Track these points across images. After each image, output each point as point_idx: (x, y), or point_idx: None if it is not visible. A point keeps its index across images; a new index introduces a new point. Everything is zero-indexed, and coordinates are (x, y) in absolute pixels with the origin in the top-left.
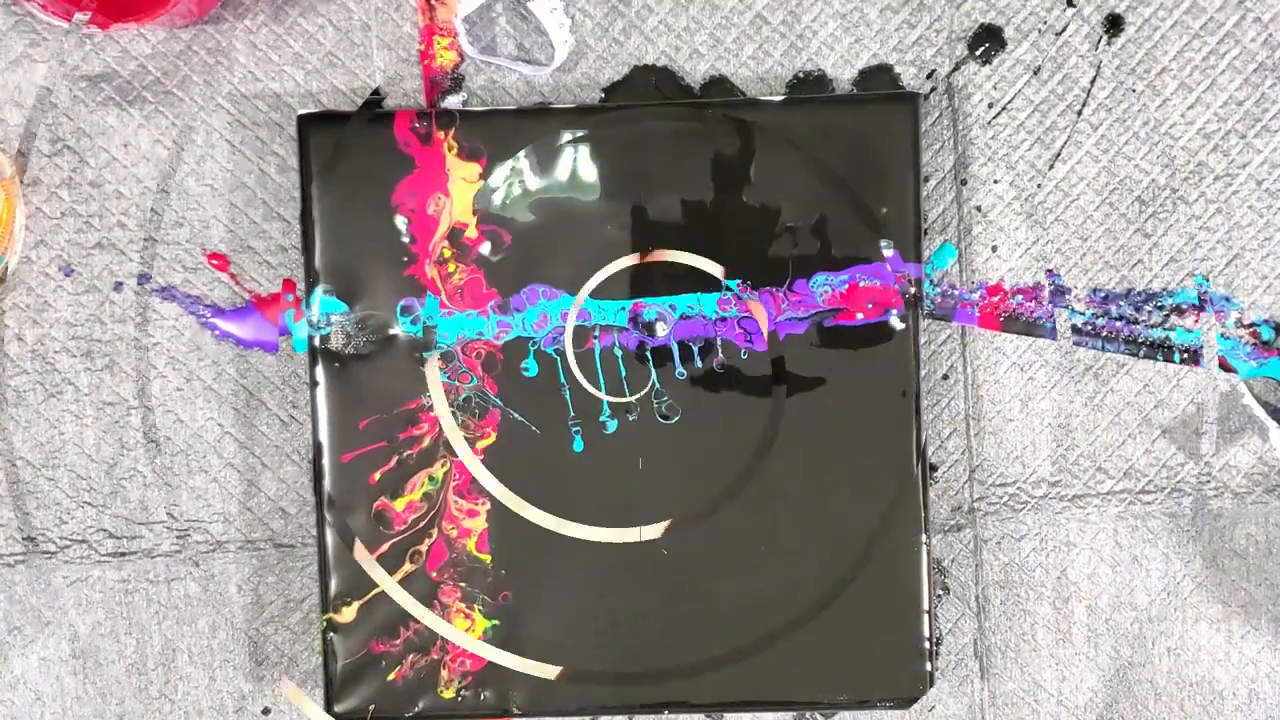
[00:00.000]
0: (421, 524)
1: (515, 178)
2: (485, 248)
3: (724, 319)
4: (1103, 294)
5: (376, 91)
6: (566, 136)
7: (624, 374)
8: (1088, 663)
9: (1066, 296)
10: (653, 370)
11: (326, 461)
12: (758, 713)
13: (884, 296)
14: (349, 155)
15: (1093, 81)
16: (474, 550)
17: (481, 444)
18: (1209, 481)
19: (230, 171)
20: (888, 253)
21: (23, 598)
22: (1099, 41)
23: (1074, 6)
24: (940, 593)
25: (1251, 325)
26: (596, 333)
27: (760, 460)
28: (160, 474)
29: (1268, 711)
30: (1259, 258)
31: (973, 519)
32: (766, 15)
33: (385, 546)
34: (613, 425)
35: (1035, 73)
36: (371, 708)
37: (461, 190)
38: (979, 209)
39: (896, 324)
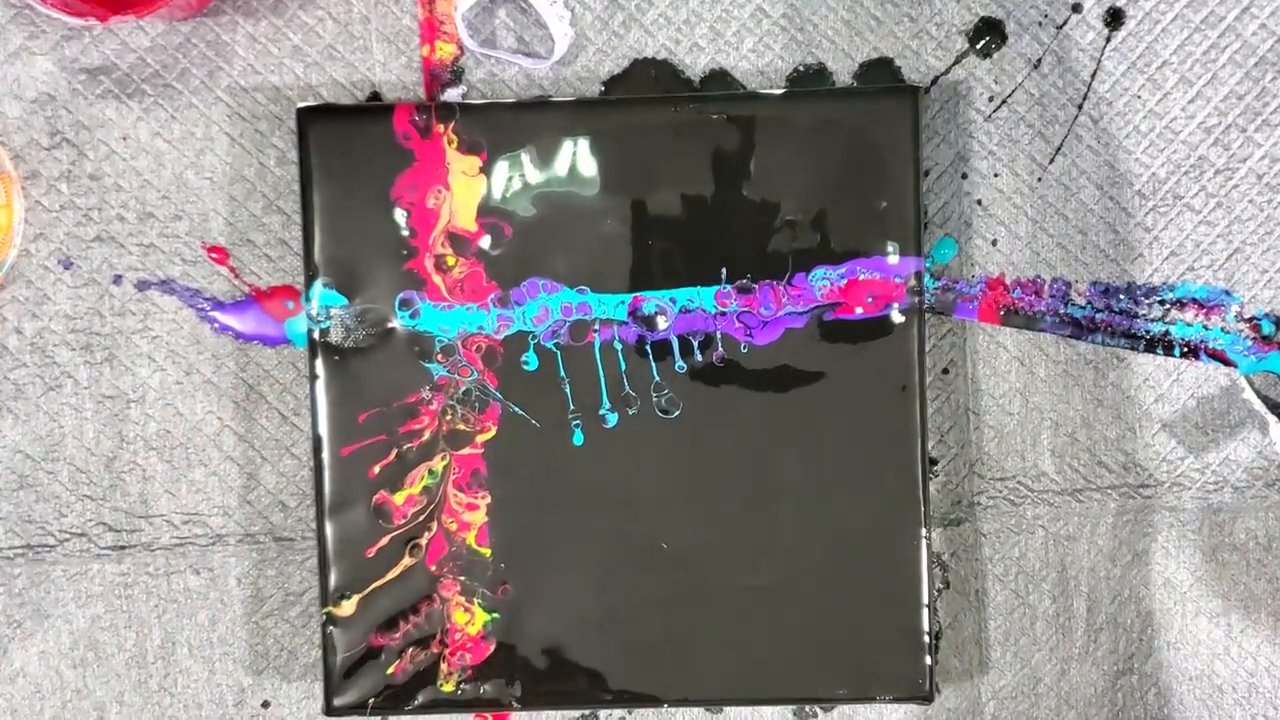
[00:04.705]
0: (421, 517)
1: (515, 171)
2: (485, 241)
3: (723, 313)
4: (1103, 288)
5: (376, 96)
6: (566, 130)
7: (624, 368)
8: (1087, 657)
9: (1067, 290)
10: (652, 364)
11: (326, 455)
12: (758, 707)
13: (884, 290)
14: (348, 148)
15: (1093, 75)
16: (474, 544)
17: (482, 438)
18: (1209, 476)
19: (229, 164)
20: (893, 260)
21: (22, 591)
22: (1100, 35)
23: (1079, 12)
24: (940, 586)
25: (1252, 319)
26: (596, 326)
27: (760, 454)
28: (159, 467)
29: (1267, 705)
30: (1259, 252)
31: (973, 513)
32: (767, 9)
33: (385, 540)
34: (613, 419)
35: (1036, 66)
36: (371, 701)
37: (461, 184)
38: (979, 203)
39: (896, 318)
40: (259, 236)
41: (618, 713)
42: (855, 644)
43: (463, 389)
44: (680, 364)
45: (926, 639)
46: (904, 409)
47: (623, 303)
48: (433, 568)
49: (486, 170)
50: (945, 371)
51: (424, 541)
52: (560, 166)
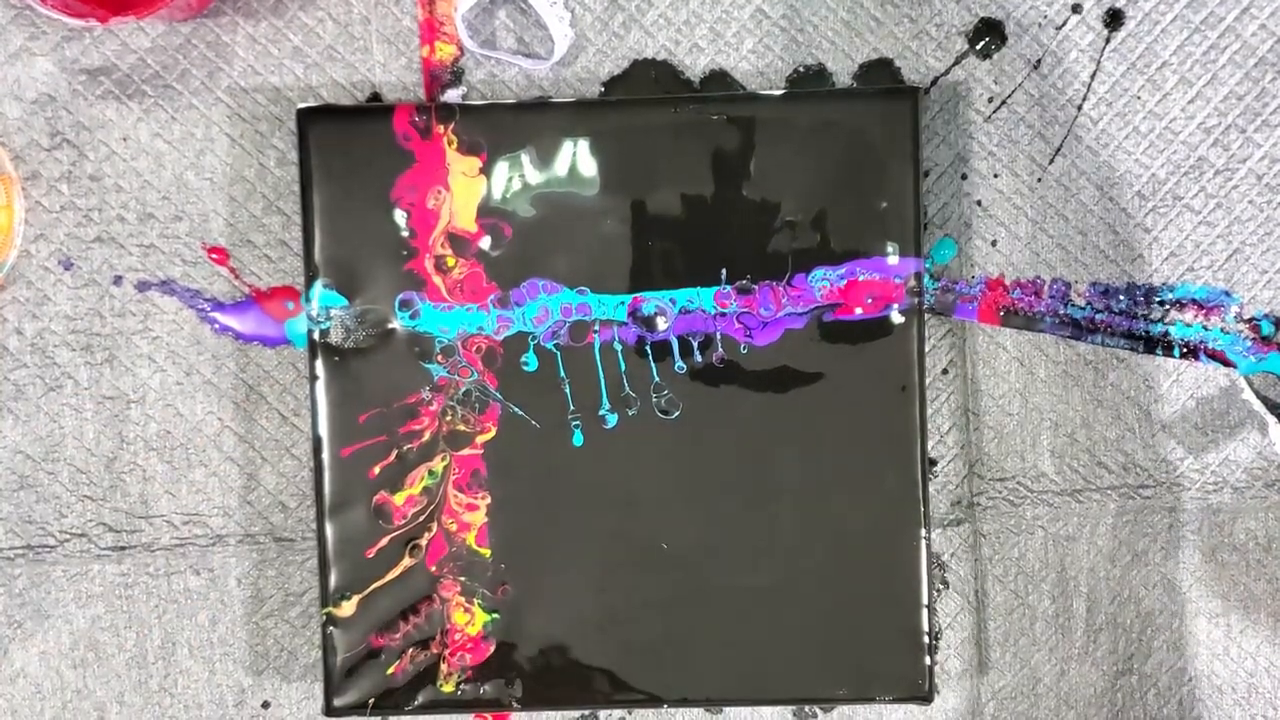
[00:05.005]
0: (421, 518)
1: (515, 172)
2: (485, 242)
3: (723, 314)
4: (1102, 288)
5: (376, 97)
6: (566, 131)
7: (624, 369)
8: (1087, 657)
9: (1067, 291)
10: (652, 365)
11: (326, 456)
12: (757, 707)
13: (884, 291)
14: (349, 149)
15: (1093, 76)
16: (474, 544)
17: (481, 438)
18: (1208, 476)
19: (230, 165)
20: (893, 261)
21: (22, 591)
22: (1099, 36)
23: (1079, 13)
24: (940, 587)
25: (1251, 320)
26: (596, 327)
27: (760, 455)
28: (159, 468)
29: (1267, 705)
30: (1259, 253)
31: (972, 513)
32: (767, 9)
33: (385, 541)
34: (613, 420)
35: (1035, 67)
36: (371, 702)
37: (461, 185)
38: (979, 203)
39: (896, 319)
40: (259, 237)
41: (618, 713)
42: (855, 644)
43: (463, 390)
44: (680, 365)
45: (926, 639)
46: (904, 409)
47: (622, 303)
48: (433, 568)
49: (486, 171)
50: (945, 372)
51: (424, 542)
52: (560, 167)
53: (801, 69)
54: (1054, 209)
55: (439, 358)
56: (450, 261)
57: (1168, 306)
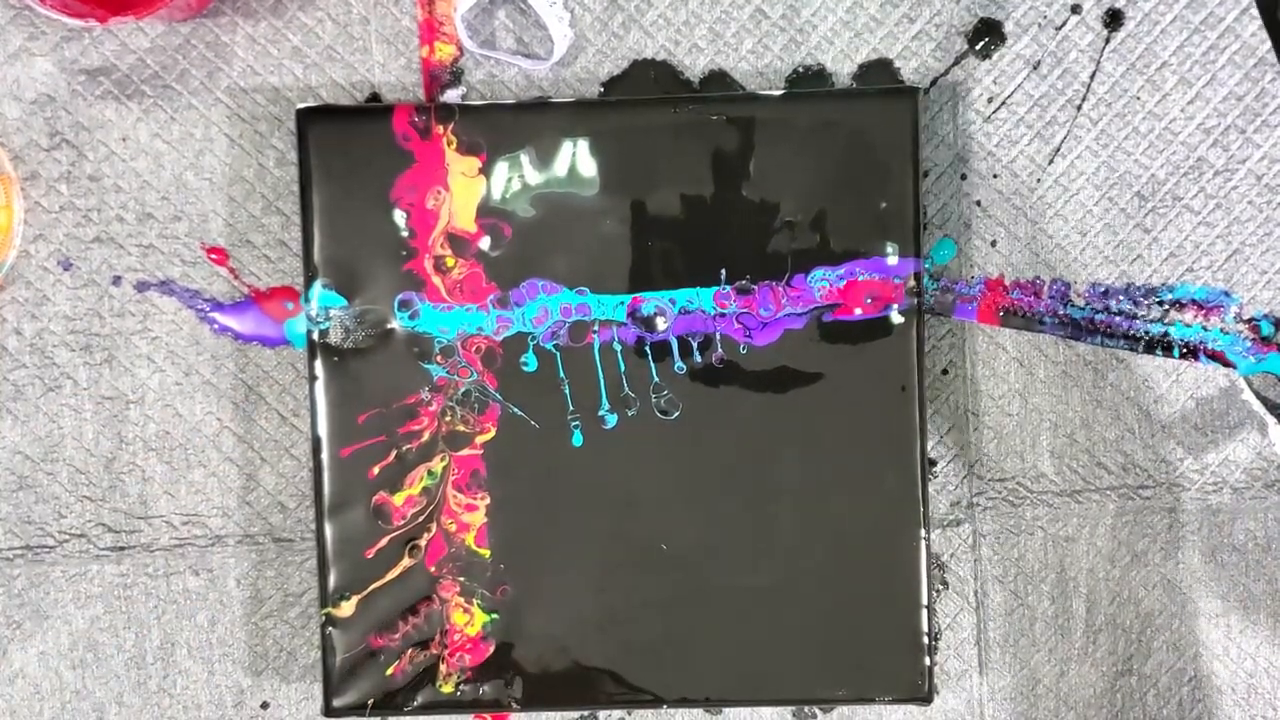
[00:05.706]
0: (420, 518)
1: (515, 172)
2: (485, 242)
3: (723, 314)
4: (1102, 289)
5: (375, 97)
6: (566, 131)
7: (623, 369)
8: (1086, 658)
9: (1066, 291)
10: (652, 365)
11: (325, 456)
12: (757, 708)
13: (883, 291)
14: (348, 149)
15: (1092, 76)
16: (473, 545)
17: (481, 439)
18: (1208, 477)
19: (229, 165)
20: (892, 261)
21: (22, 592)
22: (1099, 36)
23: (1078, 14)
24: (939, 588)
25: (1251, 320)
26: (596, 327)
27: (760, 455)
28: (159, 469)
29: (1266, 706)
30: (1258, 253)
31: (972, 514)
32: (766, 9)
33: (384, 541)
34: (612, 420)
35: (1035, 67)
36: (370, 702)
37: (461, 185)
38: (979, 204)
39: (896, 319)
40: (258, 237)
41: (617, 713)
42: (855, 644)
43: (462, 390)
44: (679, 365)
45: (925, 640)
46: (903, 410)
47: (622, 304)
48: (432, 568)
49: (486, 171)
50: (944, 372)
51: (423, 542)
52: (560, 167)
53: (801, 69)
54: (1054, 209)
55: (438, 358)
56: (450, 262)
57: (1167, 307)
